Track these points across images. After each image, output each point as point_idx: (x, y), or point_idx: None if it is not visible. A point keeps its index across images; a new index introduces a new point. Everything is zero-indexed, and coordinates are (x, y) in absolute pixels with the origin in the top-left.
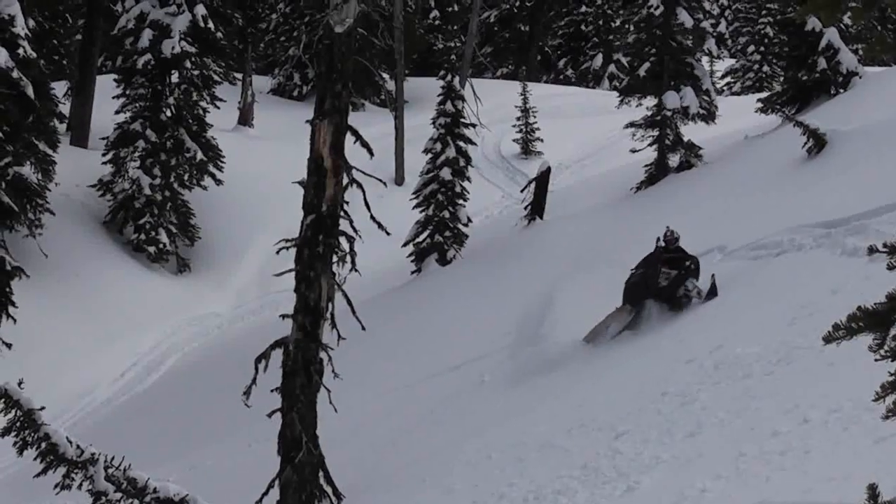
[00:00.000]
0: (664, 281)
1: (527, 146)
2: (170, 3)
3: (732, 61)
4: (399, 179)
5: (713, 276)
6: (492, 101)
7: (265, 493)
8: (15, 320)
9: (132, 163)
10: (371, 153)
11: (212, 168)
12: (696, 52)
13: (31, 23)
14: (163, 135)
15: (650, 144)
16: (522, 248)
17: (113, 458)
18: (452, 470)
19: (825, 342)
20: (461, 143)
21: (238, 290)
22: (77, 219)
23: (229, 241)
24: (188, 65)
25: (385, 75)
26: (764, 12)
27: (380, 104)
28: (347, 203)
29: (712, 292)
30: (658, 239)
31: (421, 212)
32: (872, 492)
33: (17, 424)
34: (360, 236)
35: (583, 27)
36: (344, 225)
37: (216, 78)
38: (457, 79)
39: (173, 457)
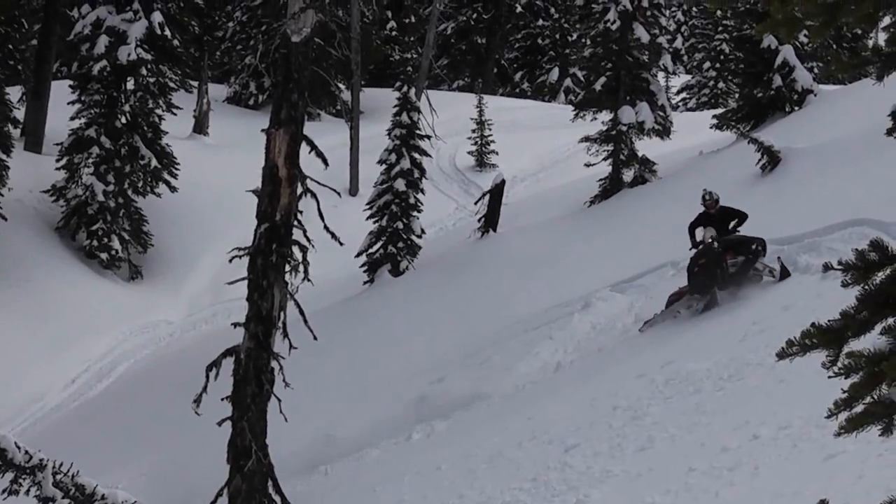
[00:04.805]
0: (733, 269)
1: (482, 159)
2: (126, 10)
3: (688, 77)
4: (353, 190)
5: (779, 258)
6: (447, 113)
7: (213, 502)
8: None
9: (86, 169)
10: (326, 163)
11: (166, 175)
12: (652, 67)
13: None
14: (117, 141)
15: (605, 159)
16: (475, 261)
17: (61, 464)
18: (402, 480)
19: (779, 358)
20: (416, 155)
21: (190, 297)
22: (30, 224)
23: (182, 248)
24: (144, 72)
25: (341, 86)
26: (720, 29)
27: (335, 114)
28: (301, 213)
29: (784, 273)
30: (704, 199)
31: (375, 222)
32: None
33: None
34: (313, 246)
35: (539, 41)
36: (297, 234)
37: (172, 85)
38: (413, 90)
39: (122, 463)
